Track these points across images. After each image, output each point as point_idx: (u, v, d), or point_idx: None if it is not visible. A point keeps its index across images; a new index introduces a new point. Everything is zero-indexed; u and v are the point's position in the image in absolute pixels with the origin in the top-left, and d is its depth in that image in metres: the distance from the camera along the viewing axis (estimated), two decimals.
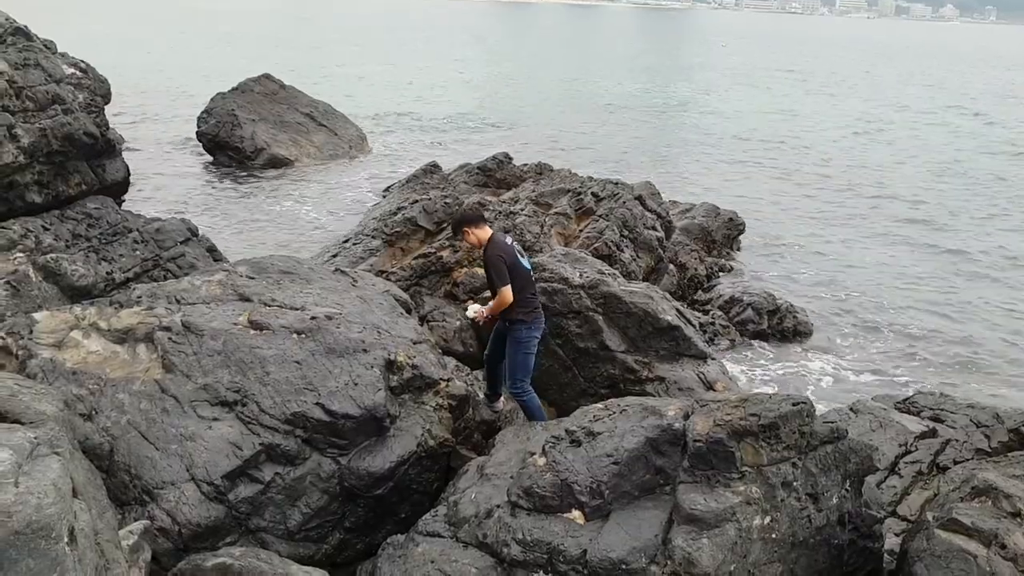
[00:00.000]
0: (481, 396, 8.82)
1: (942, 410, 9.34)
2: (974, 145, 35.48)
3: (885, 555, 6.13)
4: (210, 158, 24.19)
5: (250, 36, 73.14)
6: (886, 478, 7.83)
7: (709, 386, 9.46)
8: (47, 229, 10.12)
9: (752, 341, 14.03)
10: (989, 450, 8.18)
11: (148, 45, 58.32)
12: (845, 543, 5.68)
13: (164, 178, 22.06)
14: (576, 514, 5.71)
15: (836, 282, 17.44)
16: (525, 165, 17.66)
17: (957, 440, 8.35)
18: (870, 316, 15.64)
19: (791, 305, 15.01)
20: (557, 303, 9.64)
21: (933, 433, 8.61)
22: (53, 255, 9.73)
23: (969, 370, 13.53)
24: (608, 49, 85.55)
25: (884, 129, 39.02)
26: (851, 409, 9.24)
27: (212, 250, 11.50)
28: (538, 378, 9.30)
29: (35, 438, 4.51)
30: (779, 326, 14.42)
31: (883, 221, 22.71)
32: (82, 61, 11.97)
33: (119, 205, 11.53)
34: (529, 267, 8.14)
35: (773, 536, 5.46)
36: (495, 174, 17.25)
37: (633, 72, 62.31)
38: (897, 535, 6.73)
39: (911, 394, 10.33)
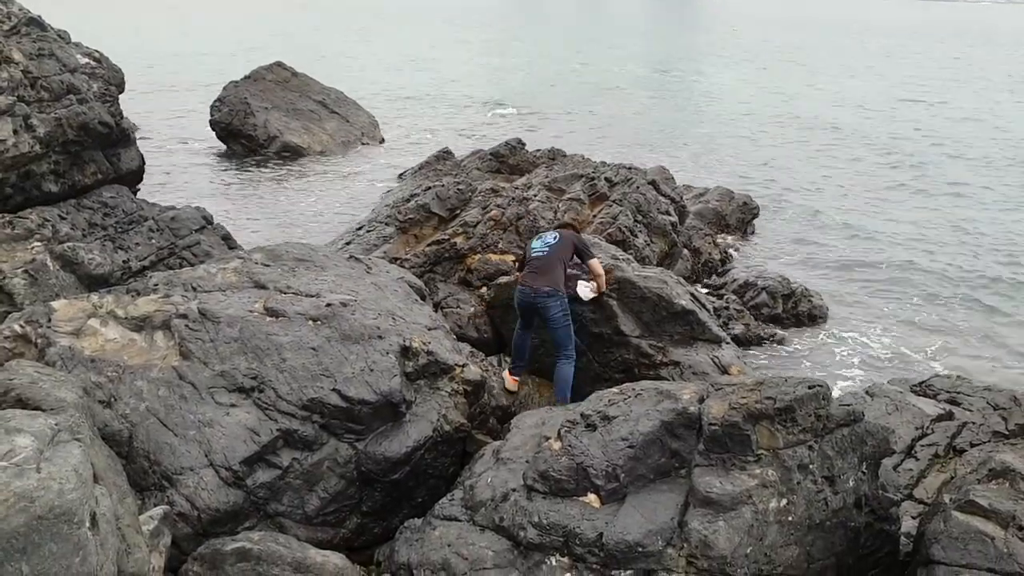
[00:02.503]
0: (496, 378, 9.06)
1: (959, 393, 9.32)
2: (994, 128, 35.13)
3: (902, 537, 6.12)
4: (223, 146, 24.27)
5: (257, 24, 73.13)
6: (903, 461, 7.82)
7: (724, 370, 9.44)
8: (64, 218, 10.18)
9: (767, 325, 13.98)
10: (1006, 432, 8.16)
11: (157, 34, 58.42)
12: (862, 526, 5.68)
13: (178, 167, 22.15)
14: (592, 497, 5.74)
15: (851, 265, 17.34)
16: (538, 151, 17.63)
17: (974, 423, 8.33)
18: (886, 299, 15.56)
19: (806, 289, 14.95)
20: (571, 288, 9.63)
21: (950, 416, 8.60)
22: (70, 244, 9.79)
23: (985, 353, 13.45)
24: (618, 33, 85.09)
25: (896, 110, 38.67)
26: (867, 392, 9.22)
27: (227, 238, 11.54)
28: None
29: (56, 425, 4.56)
30: (794, 310, 14.37)
31: (900, 203, 22.54)
32: (96, 50, 11.99)
33: (134, 194, 11.57)
34: (538, 247, 9.01)
35: (789, 519, 5.46)
36: (508, 160, 17.22)
37: (643, 56, 61.95)
38: (914, 518, 6.73)
39: (927, 377, 10.30)
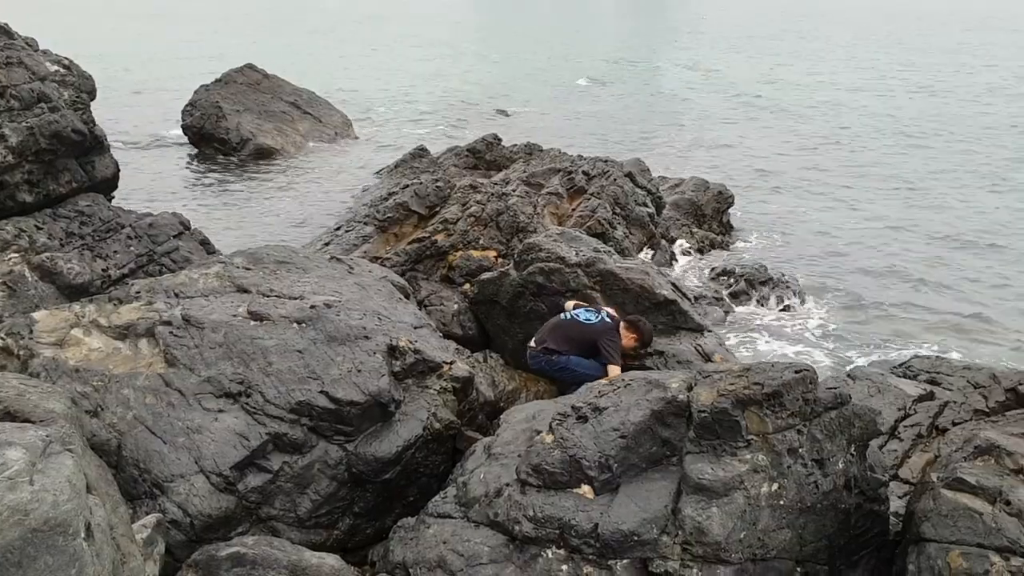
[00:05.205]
0: None
1: (938, 373, 9.45)
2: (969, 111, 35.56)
3: (891, 517, 6.21)
4: (196, 151, 24.07)
5: (227, 26, 72.52)
6: (886, 442, 7.92)
7: (707, 358, 9.50)
8: (40, 228, 10.08)
9: (746, 312, 14.10)
10: (987, 410, 8.27)
11: (125, 39, 57.78)
12: (852, 507, 5.75)
13: (151, 173, 21.92)
14: (585, 489, 5.77)
15: (827, 250, 17.52)
16: (514, 146, 17.64)
17: (955, 402, 8.44)
18: (862, 283, 15.73)
19: (783, 275, 15.09)
20: (555, 282, 9.67)
21: (931, 396, 8.71)
22: (48, 254, 9.71)
23: (963, 333, 13.64)
24: (588, 27, 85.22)
25: (865, 96, 39.02)
26: (849, 375, 9.33)
27: (205, 243, 11.45)
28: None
29: (47, 436, 4.52)
30: (773, 296, 14.50)
31: (870, 189, 22.78)
32: (65, 57, 11.85)
33: (109, 201, 11.47)
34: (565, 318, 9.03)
35: (781, 503, 5.53)
36: (485, 156, 17.23)
37: (613, 49, 62.07)
38: (900, 498, 6.82)
39: (907, 358, 10.44)
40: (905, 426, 8.19)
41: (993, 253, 17.57)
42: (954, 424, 8.11)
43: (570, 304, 9.30)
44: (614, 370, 8.45)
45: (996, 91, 40.14)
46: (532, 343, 8.91)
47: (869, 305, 14.75)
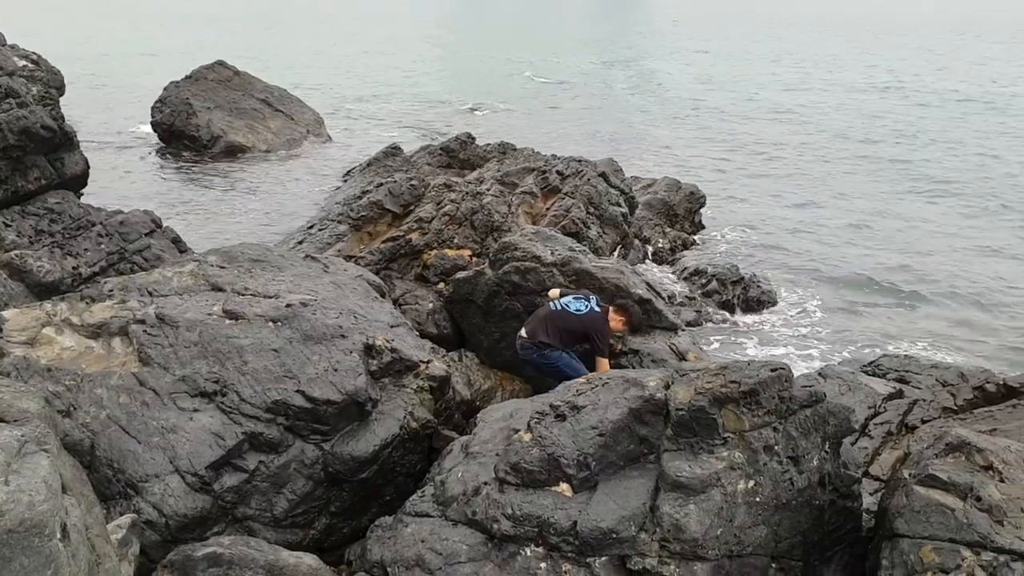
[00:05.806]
0: None
1: (907, 371, 9.60)
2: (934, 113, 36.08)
3: (863, 514, 6.29)
4: (167, 148, 23.77)
5: (195, 24, 71.75)
6: (857, 439, 8.03)
7: (681, 356, 9.57)
8: (9, 225, 9.92)
9: (719, 311, 14.21)
10: (955, 408, 8.43)
11: (94, 36, 56.99)
12: (826, 503, 5.83)
13: (121, 170, 21.61)
14: (564, 487, 5.79)
15: (796, 250, 17.71)
16: (488, 145, 17.61)
17: (924, 400, 8.59)
18: (831, 282, 15.93)
19: (755, 275, 15.22)
20: (530, 281, 9.69)
21: (900, 394, 8.85)
22: (17, 252, 9.56)
23: (932, 331, 13.85)
24: (563, 29, 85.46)
25: (833, 97, 39.49)
26: (820, 374, 9.43)
27: (177, 241, 11.35)
28: (516, 356, 9.35)
29: (22, 436, 4.46)
30: (744, 296, 14.62)
31: (837, 190, 23.05)
32: (33, 52, 11.69)
33: (79, 198, 11.31)
34: (555, 308, 8.89)
35: (757, 499, 5.59)
36: (458, 155, 17.19)
37: (588, 51, 62.31)
38: (871, 494, 6.92)
39: (876, 357, 10.58)
40: (875, 424, 8.32)
41: (960, 253, 17.87)
42: (923, 422, 8.25)
43: (555, 292, 9.26)
44: (603, 363, 8.57)
45: (966, 94, 40.79)
46: (523, 333, 8.80)
47: (838, 304, 14.94)
